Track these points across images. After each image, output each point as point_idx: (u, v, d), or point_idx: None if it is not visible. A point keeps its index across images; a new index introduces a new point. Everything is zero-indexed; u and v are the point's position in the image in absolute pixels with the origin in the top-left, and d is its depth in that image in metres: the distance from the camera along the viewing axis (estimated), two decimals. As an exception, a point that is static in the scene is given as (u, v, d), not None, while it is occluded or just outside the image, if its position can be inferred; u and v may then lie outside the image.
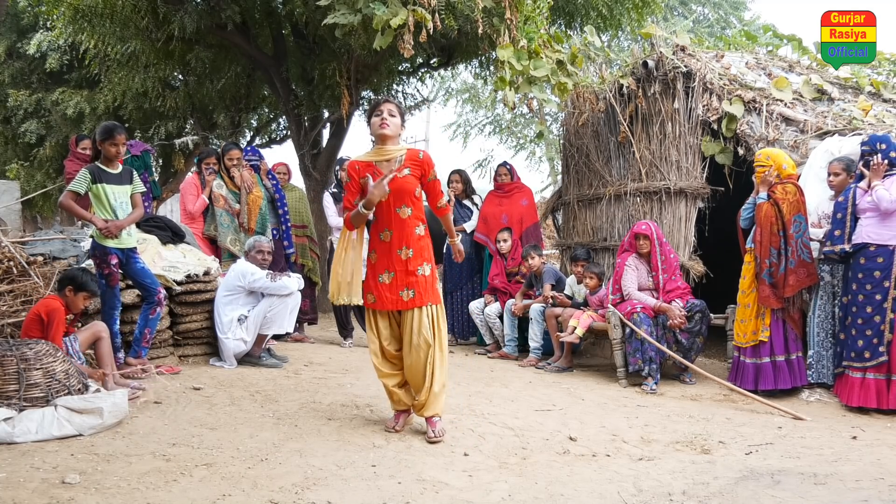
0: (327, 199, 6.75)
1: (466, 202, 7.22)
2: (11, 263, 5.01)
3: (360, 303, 3.72)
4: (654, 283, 5.60)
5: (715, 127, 6.31)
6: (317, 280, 7.18)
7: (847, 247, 4.74)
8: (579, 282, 6.27)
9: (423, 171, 3.64)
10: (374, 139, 3.71)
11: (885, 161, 4.66)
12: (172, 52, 8.95)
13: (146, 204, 4.96)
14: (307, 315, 7.03)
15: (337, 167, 6.73)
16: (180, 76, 10.90)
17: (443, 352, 3.66)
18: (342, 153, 9.14)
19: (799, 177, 5.29)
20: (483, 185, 17.88)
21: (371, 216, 3.62)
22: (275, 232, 6.50)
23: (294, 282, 5.38)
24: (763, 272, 5.00)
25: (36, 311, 4.03)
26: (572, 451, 3.59)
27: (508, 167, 7.43)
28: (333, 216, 6.67)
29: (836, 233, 4.84)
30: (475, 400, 4.52)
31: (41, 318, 3.97)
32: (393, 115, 3.57)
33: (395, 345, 3.73)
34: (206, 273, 5.47)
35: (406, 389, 3.81)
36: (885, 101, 6.59)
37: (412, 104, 11.30)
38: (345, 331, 6.66)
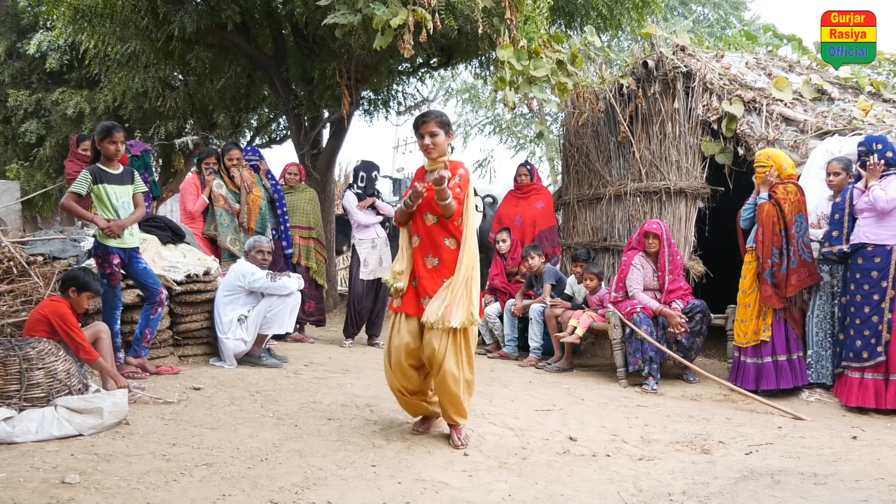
0: (350, 198, 6.74)
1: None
2: (11, 263, 5.01)
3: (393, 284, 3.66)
4: (660, 283, 5.60)
5: (715, 127, 6.32)
6: (322, 283, 7.14)
7: (845, 247, 4.75)
8: (580, 282, 6.27)
9: (459, 184, 3.57)
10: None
11: (882, 161, 4.67)
12: (172, 52, 8.95)
13: (146, 204, 4.95)
14: (312, 317, 7.01)
15: (375, 172, 6.77)
16: (180, 76, 10.88)
17: (467, 363, 3.52)
18: (343, 154, 9.15)
19: (798, 177, 5.30)
20: (483, 185, 17.93)
21: (410, 224, 3.66)
22: (274, 232, 6.51)
23: (294, 282, 5.38)
24: (765, 272, 5.01)
25: (42, 313, 3.98)
26: (572, 451, 3.59)
27: (529, 168, 7.44)
28: (355, 212, 6.66)
29: (834, 233, 4.85)
30: (475, 400, 4.48)
31: (49, 322, 3.93)
32: (436, 135, 3.55)
33: (411, 357, 3.59)
34: (206, 273, 5.47)
35: (418, 397, 3.75)
36: (885, 101, 6.60)
37: (412, 104, 11.29)
38: (349, 331, 6.65)
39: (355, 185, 6.77)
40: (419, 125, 3.58)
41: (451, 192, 3.46)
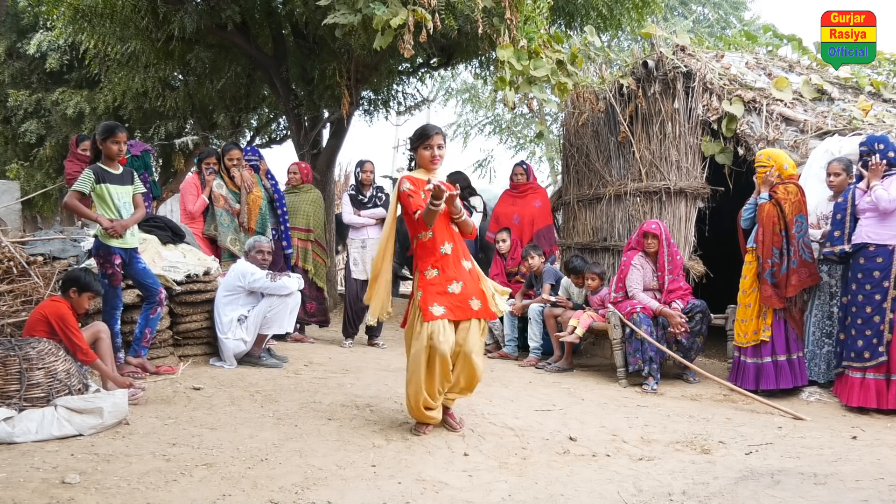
0: (344, 199, 6.74)
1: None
2: (11, 263, 5.01)
3: (386, 317, 3.88)
4: (659, 283, 5.60)
5: (715, 127, 6.31)
6: (322, 285, 7.13)
7: (847, 247, 4.75)
8: (578, 286, 6.26)
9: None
10: (418, 163, 3.82)
11: (884, 161, 4.67)
12: (172, 52, 8.94)
13: (146, 204, 4.96)
14: (315, 317, 6.99)
15: (357, 169, 6.76)
16: (180, 76, 10.88)
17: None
18: (343, 154, 9.13)
19: (799, 177, 5.30)
20: (483, 185, 17.92)
21: (430, 234, 3.70)
22: (273, 232, 6.50)
23: (294, 282, 5.38)
24: (765, 272, 5.01)
25: (42, 313, 3.98)
26: (572, 451, 3.59)
27: (525, 167, 7.46)
28: (349, 214, 6.65)
29: (836, 233, 4.85)
30: (475, 400, 4.51)
31: (48, 322, 3.93)
32: (442, 148, 3.75)
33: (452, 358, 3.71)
34: (206, 273, 5.47)
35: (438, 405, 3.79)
36: (885, 101, 6.60)
37: (412, 104, 11.30)
38: (347, 331, 6.65)
39: (350, 187, 6.84)
40: (430, 136, 3.71)
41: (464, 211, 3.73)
